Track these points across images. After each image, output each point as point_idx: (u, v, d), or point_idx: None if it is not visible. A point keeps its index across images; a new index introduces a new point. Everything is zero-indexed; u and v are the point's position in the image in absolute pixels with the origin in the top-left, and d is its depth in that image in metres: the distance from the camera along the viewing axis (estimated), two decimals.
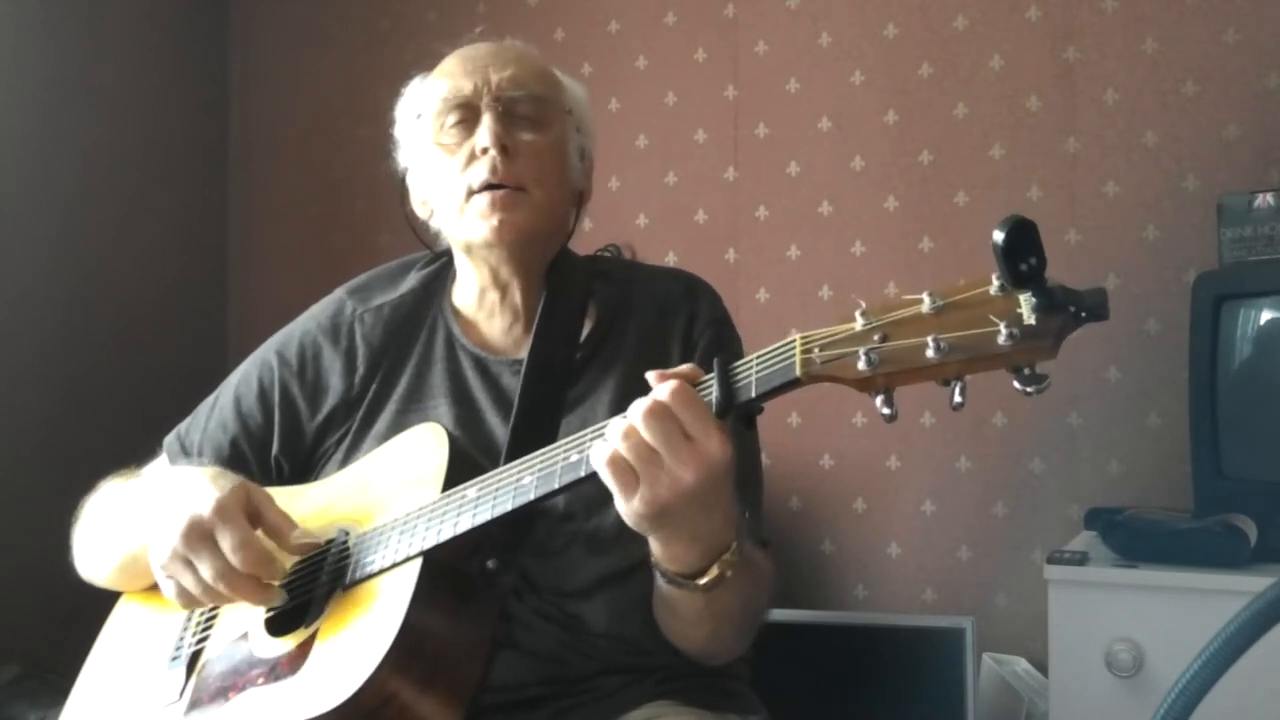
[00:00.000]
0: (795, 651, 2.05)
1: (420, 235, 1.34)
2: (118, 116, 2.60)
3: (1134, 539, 1.79)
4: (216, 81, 2.90)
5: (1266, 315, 1.85)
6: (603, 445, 0.94)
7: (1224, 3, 2.14)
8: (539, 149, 1.23)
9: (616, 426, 0.93)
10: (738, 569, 1.01)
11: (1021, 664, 2.16)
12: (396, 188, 1.34)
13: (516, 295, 1.27)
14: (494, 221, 1.19)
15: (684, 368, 0.96)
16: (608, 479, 0.93)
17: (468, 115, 1.22)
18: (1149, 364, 2.16)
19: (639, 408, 0.93)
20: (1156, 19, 2.18)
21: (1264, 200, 1.89)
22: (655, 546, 1.00)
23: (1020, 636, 2.19)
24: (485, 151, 1.19)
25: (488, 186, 1.19)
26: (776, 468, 2.37)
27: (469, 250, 1.25)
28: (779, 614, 2.06)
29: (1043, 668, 2.02)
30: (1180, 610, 1.66)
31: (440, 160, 1.23)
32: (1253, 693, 1.19)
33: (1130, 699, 1.68)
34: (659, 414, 0.91)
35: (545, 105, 1.25)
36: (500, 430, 1.19)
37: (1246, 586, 1.60)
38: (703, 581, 1.00)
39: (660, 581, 1.04)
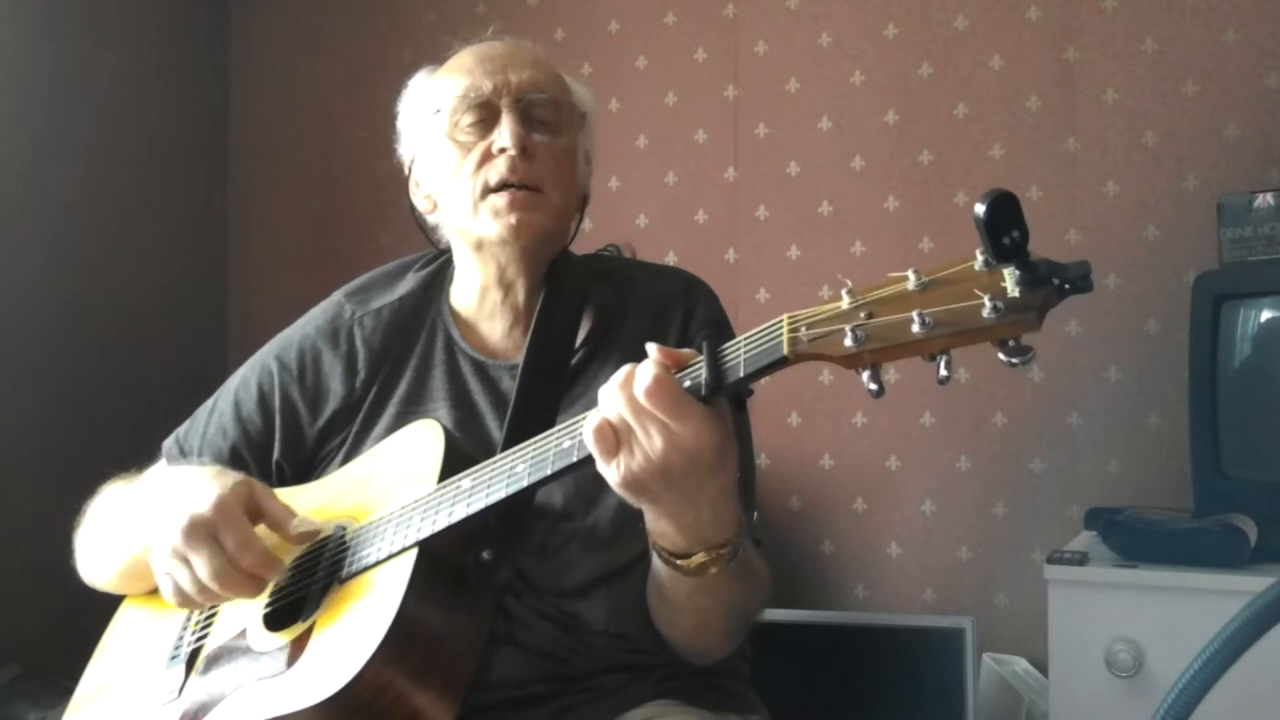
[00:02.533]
0: (795, 651, 2.05)
1: (424, 228, 1.34)
2: (118, 116, 2.60)
3: (1134, 539, 1.79)
4: (216, 81, 2.91)
5: (1266, 315, 1.86)
6: (594, 414, 0.95)
7: (1224, 3, 2.14)
8: (555, 152, 1.24)
9: (602, 392, 0.94)
10: (730, 569, 1.01)
11: (1021, 664, 2.16)
12: (400, 179, 1.34)
13: (519, 296, 1.27)
14: (511, 220, 1.20)
15: (685, 351, 0.96)
16: (590, 443, 0.94)
17: (485, 115, 1.22)
18: (1149, 364, 2.16)
19: (617, 378, 0.93)
20: (1156, 19, 2.18)
21: (1264, 200, 1.89)
22: (647, 519, 1.01)
23: (1020, 636, 2.19)
24: (503, 151, 1.20)
25: (504, 185, 1.20)
26: (776, 468, 2.37)
27: (479, 247, 1.25)
28: (779, 614, 2.06)
29: (1043, 668, 2.02)
30: (1180, 610, 1.66)
31: (453, 157, 1.23)
32: (1253, 693, 1.19)
33: (1130, 699, 1.68)
34: (628, 386, 0.92)
35: (562, 109, 1.26)
36: (499, 434, 1.19)
37: (1246, 586, 1.60)
38: (682, 564, 1.01)
39: (654, 557, 1.05)
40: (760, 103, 2.47)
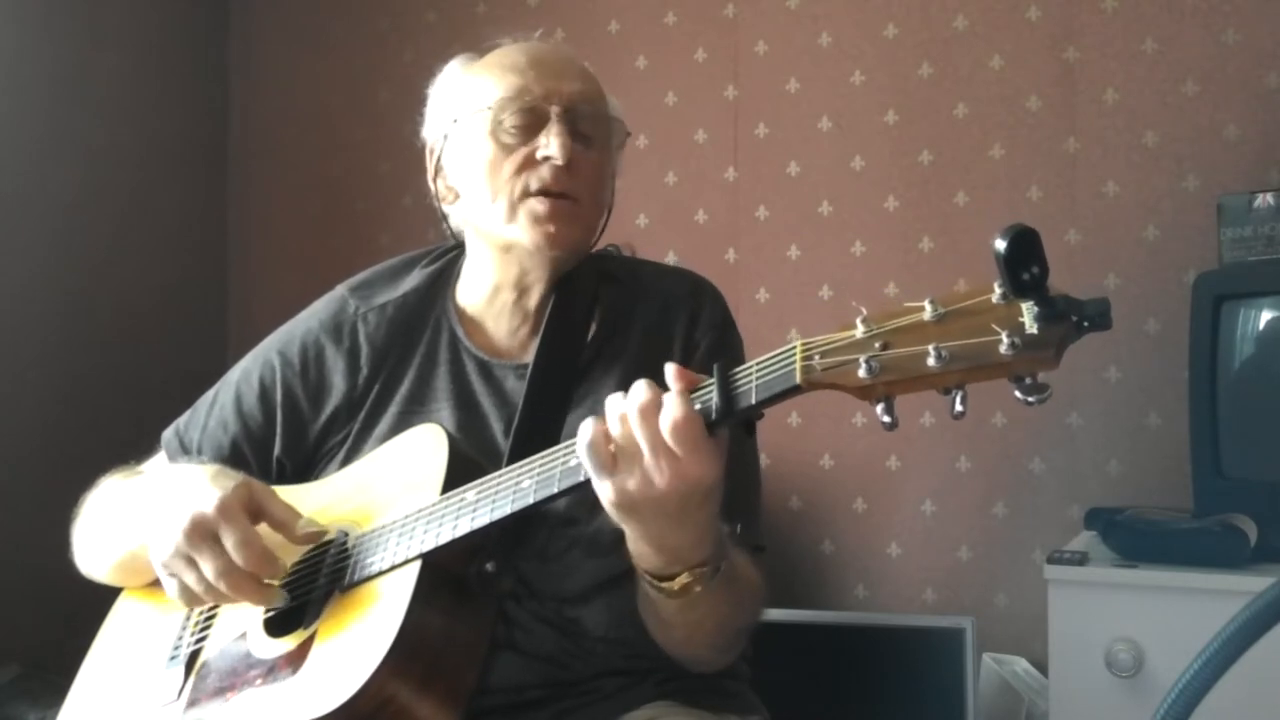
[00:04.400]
0: (795, 651, 2.05)
1: (443, 216, 1.32)
2: (118, 116, 2.60)
3: (1134, 539, 1.79)
4: (216, 81, 2.90)
5: (1266, 315, 1.86)
6: (591, 423, 0.93)
7: (1224, 3, 2.14)
8: (593, 165, 1.23)
9: (613, 408, 0.93)
10: (713, 587, 1.01)
11: (1021, 664, 2.16)
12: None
13: (532, 299, 1.26)
14: (550, 229, 1.19)
15: (699, 377, 0.94)
16: (585, 456, 0.93)
17: (532, 120, 1.21)
18: (1149, 364, 2.16)
19: (636, 400, 0.92)
20: (1156, 19, 2.18)
21: (1264, 200, 1.89)
22: (628, 539, 1.00)
23: (1020, 636, 2.19)
24: (548, 160, 1.19)
25: (544, 192, 1.19)
26: (776, 468, 2.37)
27: (507, 249, 1.24)
28: (779, 614, 2.06)
29: (1043, 668, 2.02)
30: (1180, 610, 1.66)
31: (493, 155, 1.21)
32: (1253, 693, 1.19)
33: (1130, 699, 1.68)
34: (651, 414, 0.91)
35: (605, 125, 1.26)
36: (502, 435, 1.19)
37: (1246, 586, 1.60)
38: (665, 586, 1.01)
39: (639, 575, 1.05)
40: (760, 103, 2.47)
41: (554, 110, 1.20)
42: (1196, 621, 1.04)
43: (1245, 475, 1.80)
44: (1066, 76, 2.25)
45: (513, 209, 1.20)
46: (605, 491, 0.94)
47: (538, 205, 1.19)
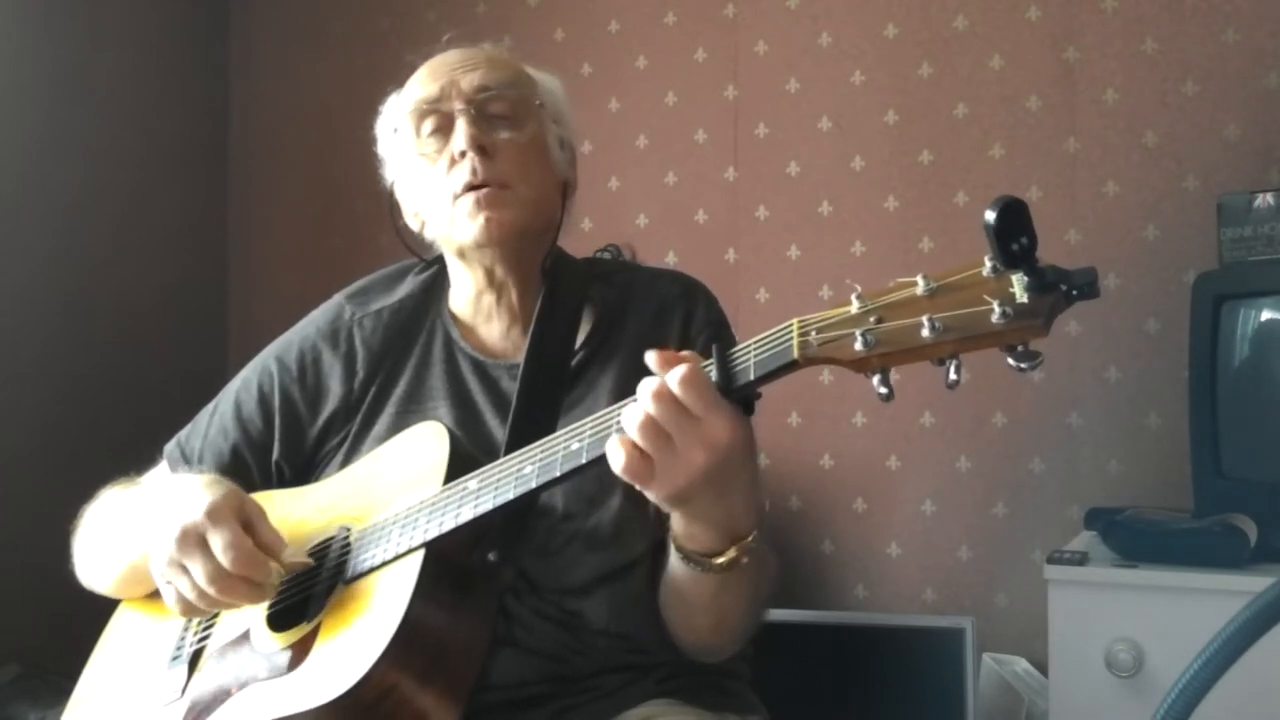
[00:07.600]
0: (795, 651, 2.05)
1: (412, 248, 1.34)
2: (118, 116, 2.60)
3: (1134, 539, 1.79)
4: (216, 81, 2.91)
5: (1266, 315, 1.86)
6: (617, 441, 0.93)
7: (1224, 3, 2.14)
8: (517, 145, 1.24)
9: (630, 418, 0.93)
10: (754, 559, 1.02)
11: (1021, 664, 2.16)
12: (386, 204, 1.34)
13: (513, 296, 1.27)
14: (480, 220, 1.20)
15: (685, 354, 0.95)
16: (625, 477, 0.93)
17: (442, 122, 1.23)
18: (1149, 364, 2.16)
19: (647, 390, 0.92)
20: (1156, 19, 2.18)
21: (1264, 200, 1.89)
22: (675, 524, 1.02)
23: (1020, 636, 2.19)
24: (463, 155, 1.20)
25: (470, 187, 1.20)
26: (776, 468, 2.37)
27: (462, 254, 1.26)
28: (779, 614, 2.07)
29: (1043, 668, 2.02)
30: (1180, 610, 1.66)
31: (423, 170, 1.24)
32: (1253, 693, 1.19)
33: (1130, 699, 1.68)
34: (665, 396, 0.91)
35: (516, 102, 1.25)
36: (499, 433, 1.19)
37: (1246, 586, 1.60)
38: (717, 561, 1.01)
39: (675, 561, 1.05)
40: (760, 103, 2.47)
41: (456, 106, 1.22)
42: (1196, 621, 1.04)
43: (1245, 475, 1.80)
44: (1066, 76, 2.25)
45: (449, 214, 1.22)
46: (655, 494, 0.94)
47: (465, 202, 1.21)
